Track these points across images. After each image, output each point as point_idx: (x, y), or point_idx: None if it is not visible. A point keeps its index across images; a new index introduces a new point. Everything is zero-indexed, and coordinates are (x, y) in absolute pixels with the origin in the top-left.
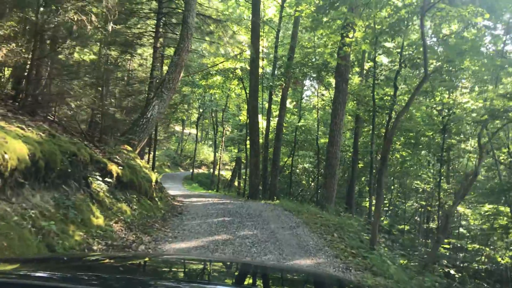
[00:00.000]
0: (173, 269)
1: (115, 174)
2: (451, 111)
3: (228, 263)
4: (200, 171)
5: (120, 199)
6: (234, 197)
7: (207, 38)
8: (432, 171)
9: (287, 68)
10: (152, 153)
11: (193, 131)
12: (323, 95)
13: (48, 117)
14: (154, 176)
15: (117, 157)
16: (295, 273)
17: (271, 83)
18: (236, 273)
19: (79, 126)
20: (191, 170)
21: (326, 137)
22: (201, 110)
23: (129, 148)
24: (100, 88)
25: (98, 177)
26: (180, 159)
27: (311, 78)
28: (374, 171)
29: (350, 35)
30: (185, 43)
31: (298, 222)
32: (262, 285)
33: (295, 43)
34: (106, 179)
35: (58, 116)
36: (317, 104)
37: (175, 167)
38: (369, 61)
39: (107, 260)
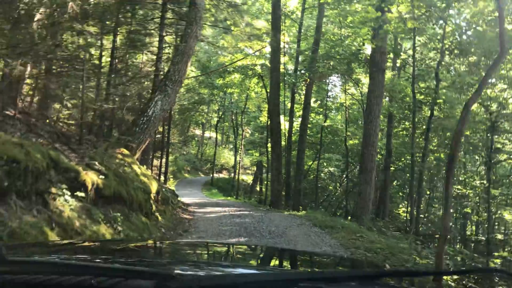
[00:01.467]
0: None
1: (90, 186)
2: (500, 107)
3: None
4: (221, 175)
5: (98, 219)
6: (255, 206)
7: (220, 25)
8: (475, 175)
9: (311, 62)
10: (164, 158)
11: (214, 134)
12: (350, 94)
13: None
14: (155, 186)
15: (97, 163)
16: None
17: (293, 80)
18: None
19: (52, 124)
20: (211, 175)
21: (356, 138)
22: (220, 113)
23: (126, 152)
24: (99, 84)
25: (65, 190)
26: (200, 164)
27: (338, 73)
28: (415, 174)
29: (393, 9)
30: (193, 28)
31: (334, 245)
32: (289, 265)
33: (320, 36)
34: (78, 192)
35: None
36: (345, 102)
37: (195, 172)
38: (402, 54)
39: (124, 246)
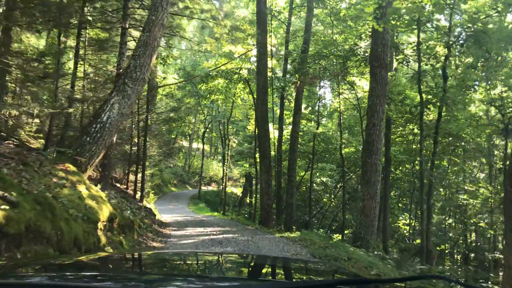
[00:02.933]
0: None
1: None
2: None
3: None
4: (210, 188)
5: None
6: (242, 223)
7: (195, 17)
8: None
9: (301, 63)
10: (140, 173)
11: (202, 146)
12: (345, 98)
13: None
14: (106, 211)
15: None
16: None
17: (282, 84)
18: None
19: None
20: (199, 189)
21: (351, 146)
22: (207, 123)
23: (72, 168)
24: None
25: None
26: (188, 177)
27: (331, 75)
28: (425, 181)
29: None
30: (159, 15)
31: None
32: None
33: (309, 36)
34: None
35: None
36: (339, 107)
37: (182, 185)
38: (404, 49)
39: (114, 259)
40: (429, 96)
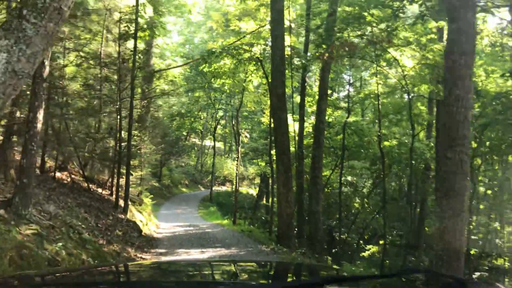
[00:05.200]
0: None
1: None
2: None
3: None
4: (224, 188)
5: None
6: (256, 240)
7: None
8: None
9: (328, 30)
10: (123, 177)
11: (217, 144)
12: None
13: None
14: None
15: None
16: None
17: (303, 61)
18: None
19: None
20: (213, 188)
21: (392, 138)
22: (218, 117)
23: None
24: None
25: None
26: (200, 176)
27: (371, 43)
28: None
29: None
30: None
31: None
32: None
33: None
34: None
35: None
36: (377, 87)
37: (195, 185)
38: None
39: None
40: None
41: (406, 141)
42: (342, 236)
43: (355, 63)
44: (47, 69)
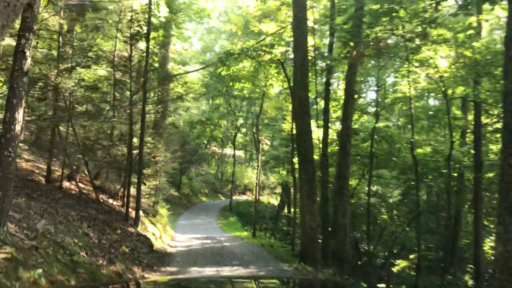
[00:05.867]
0: None
1: None
2: None
3: None
4: (244, 197)
5: None
6: (277, 256)
7: None
8: None
9: (355, 26)
10: (134, 186)
11: (238, 152)
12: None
13: None
14: None
15: None
16: None
17: (328, 62)
18: None
19: None
20: (234, 197)
21: (427, 146)
22: (238, 124)
23: None
24: None
25: None
26: (220, 185)
27: (404, 40)
28: None
29: None
30: None
31: None
32: None
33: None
34: None
35: None
36: (409, 91)
37: (214, 194)
38: None
39: None
40: None
41: (441, 148)
42: (368, 248)
43: (384, 63)
44: (29, 61)
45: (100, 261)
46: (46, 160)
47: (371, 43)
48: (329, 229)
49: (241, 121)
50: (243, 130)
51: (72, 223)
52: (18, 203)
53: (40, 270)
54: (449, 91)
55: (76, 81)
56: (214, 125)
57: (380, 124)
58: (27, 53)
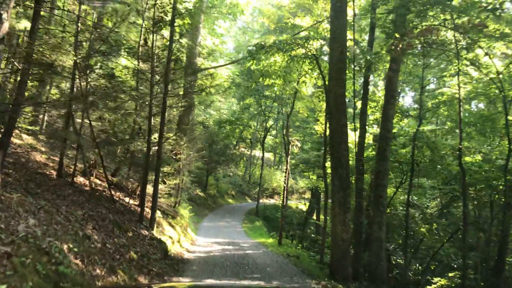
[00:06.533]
0: None
1: None
2: None
3: None
4: (272, 201)
5: None
6: (304, 269)
7: None
8: None
9: (401, 16)
10: (151, 184)
11: (267, 154)
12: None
13: None
14: None
15: None
16: None
17: (368, 57)
18: None
19: None
20: (261, 201)
21: (477, 154)
22: (268, 125)
23: None
24: None
25: None
26: (248, 187)
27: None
28: None
29: None
30: None
31: None
32: None
33: None
34: None
35: None
36: (458, 92)
37: (242, 197)
38: None
39: None
40: None
41: (494, 157)
42: (404, 263)
43: (429, 63)
44: (5, 26)
45: (98, 271)
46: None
47: (421, 34)
48: (362, 242)
49: (271, 122)
50: (273, 132)
51: (73, 224)
52: (10, 198)
53: (4, 286)
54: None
55: (93, 68)
56: (243, 126)
57: (425, 128)
58: (4, 15)
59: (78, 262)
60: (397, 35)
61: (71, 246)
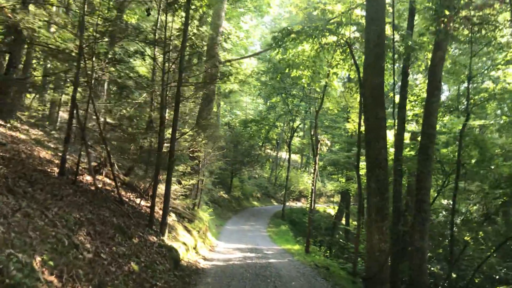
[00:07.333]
0: None
1: None
2: None
3: None
4: (298, 204)
5: None
6: (334, 283)
7: None
8: None
9: None
10: (162, 183)
11: (293, 156)
12: None
13: None
14: None
15: None
16: None
17: (409, 42)
18: None
19: None
20: (287, 204)
21: None
22: (295, 125)
23: None
24: None
25: None
26: (274, 190)
27: None
28: None
29: None
30: None
31: None
32: None
33: None
34: None
35: None
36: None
37: (267, 199)
38: None
39: None
40: None
41: None
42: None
43: (478, 50)
44: None
45: None
46: (69, 150)
47: (478, 8)
48: (400, 252)
49: (298, 122)
50: (300, 133)
51: (58, 230)
52: None
53: None
54: None
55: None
56: (270, 126)
57: (475, 123)
58: None
59: (53, 279)
60: (446, 12)
61: (45, 258)
